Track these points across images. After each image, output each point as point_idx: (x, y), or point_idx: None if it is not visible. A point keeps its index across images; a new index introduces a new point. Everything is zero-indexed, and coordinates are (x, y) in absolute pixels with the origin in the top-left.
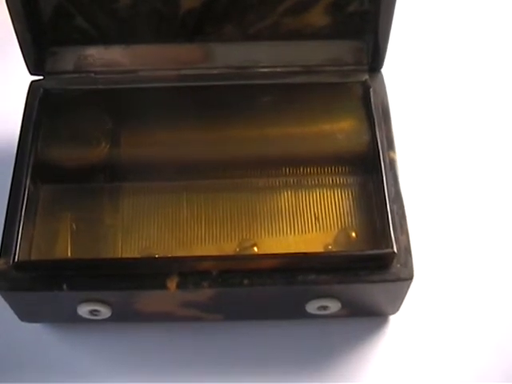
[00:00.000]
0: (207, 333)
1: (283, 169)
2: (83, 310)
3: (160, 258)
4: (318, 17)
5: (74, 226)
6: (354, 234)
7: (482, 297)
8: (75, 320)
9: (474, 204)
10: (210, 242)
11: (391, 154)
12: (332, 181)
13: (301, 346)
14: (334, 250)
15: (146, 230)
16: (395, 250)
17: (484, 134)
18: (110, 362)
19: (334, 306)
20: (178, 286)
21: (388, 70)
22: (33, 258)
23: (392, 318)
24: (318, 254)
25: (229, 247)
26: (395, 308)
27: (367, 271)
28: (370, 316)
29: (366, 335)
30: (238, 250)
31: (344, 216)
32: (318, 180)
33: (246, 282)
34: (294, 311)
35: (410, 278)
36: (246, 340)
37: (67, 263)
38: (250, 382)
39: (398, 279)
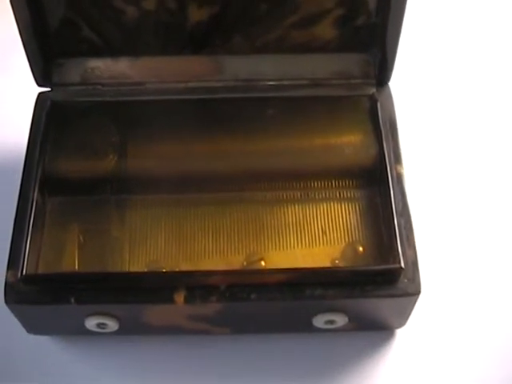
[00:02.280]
0: (214, 345)
1: (290, 182)
2: (91, 324)
3: (168, 272)
4: (325, 30)
5: (82, 238)
6: (361, 248)
7: (489, 311)
8: (82, 333)
9: (482, 218)
10: (217, 256)
11: (398, 167)
12: (339, 194)
13: (307, 359)
14: (341, 264)
15: (153, 242)
16: (402, 265)
17: (492, 148)
18: (117, 375)
19: (340, 320)
20: (186, 300)
21: (395, 83)
22: (40, 270)
23: (399, 332)
24: (326, 269)
25: (236, 261)
26: (402, 322)
27: (374, 286)
28: (376, 330)
29: (372, 348)
30: (245, 263)
31: (351, 230)
32: (325, 193)
33: (253, 296)
34: (300, 325)
35: (417, 293)
36: (253, 353)
37: (75, 277)
38: None
39: (406, 294)
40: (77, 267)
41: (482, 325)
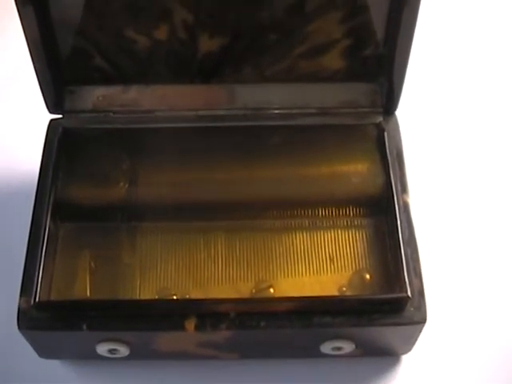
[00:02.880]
0: (223, 370)
1: (298, 210)
2: (102, 349)
3: (178, 300)
4: (333, 60)
5: (93, 265)
6: (368, 276)
7: (494, 340)
8: (93, 357)
9: (488, 247)
10: (227, 283)
11: (405, 196)
12: (346, 223)
13: None
14: (349, 291)
15: (163, 269)
16: (409, 294)
17: (500, 179)
18: None
19: (348, 346)
20: (196, 328)
21: (402, 112)
22: (52, 296)
23: (404, 358)
24: (334, 298)
25: (245, 288)
26: (408, 348)
27: (381, 314)
28: (382, 356)
29: (378, 374)
30: (254, 291)
31: (358, 258)
32: (333, 222)
33: (262, 324)
34: (308, 351)
35: (423, 321)
36: (261, 378)
37: (87, 304)
38: None
39: (412, 322)
40: (88, 294)
41: (487, 352)
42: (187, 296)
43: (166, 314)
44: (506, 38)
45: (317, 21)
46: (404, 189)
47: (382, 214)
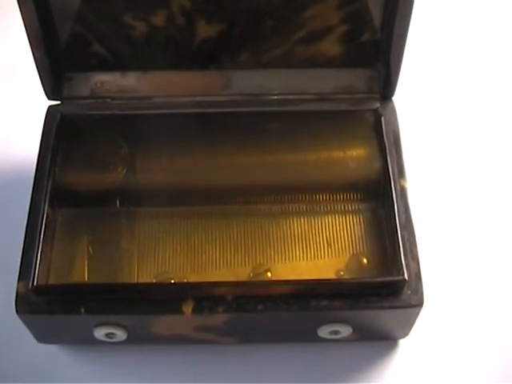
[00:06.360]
0: (221, 354)
1: (296, 195)
2: (100, 333)
3: (176, 284)
4: (331, 46)
5: (91, 250)
6: (365, 260)
7: (491, 321)
8: (91, 342)
9: (485, 230)
10: (225, 267)
11: (402, 181)
12: (344, 207)
13: (312, 368)
14: (346, 275)
15: (161, 254)
16: (406, 277)
17: (497, 162)
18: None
19: (345, 330)
20: (194, 311)
21: (399, 98)
22: (51, 281)
23: (402, 342)
24: (331, 281)
25: (243, 272)
26: (405, 332)
27: (378, 297)
28: (380, 340)
29: (376, 358)
30: (251, 275)
31: (355, 242)
32: (330, 206)
33: (260, 307)
34: (306, 335)
35: (420, 304)
36: (259, 362)
37: (85, 287)
38: None
39: (409, 306)
40: (86, 278)
41: (484, 335)
42: (185, 280)
43: (163, 298)
44: (502, 26)
45: (314, 6)
46: (401, 173)
47: (379, 199)
